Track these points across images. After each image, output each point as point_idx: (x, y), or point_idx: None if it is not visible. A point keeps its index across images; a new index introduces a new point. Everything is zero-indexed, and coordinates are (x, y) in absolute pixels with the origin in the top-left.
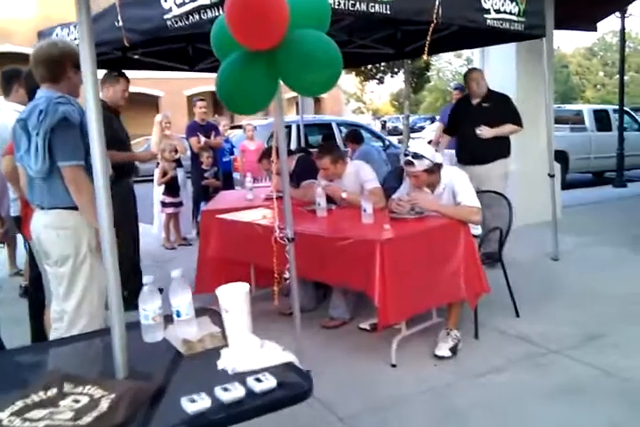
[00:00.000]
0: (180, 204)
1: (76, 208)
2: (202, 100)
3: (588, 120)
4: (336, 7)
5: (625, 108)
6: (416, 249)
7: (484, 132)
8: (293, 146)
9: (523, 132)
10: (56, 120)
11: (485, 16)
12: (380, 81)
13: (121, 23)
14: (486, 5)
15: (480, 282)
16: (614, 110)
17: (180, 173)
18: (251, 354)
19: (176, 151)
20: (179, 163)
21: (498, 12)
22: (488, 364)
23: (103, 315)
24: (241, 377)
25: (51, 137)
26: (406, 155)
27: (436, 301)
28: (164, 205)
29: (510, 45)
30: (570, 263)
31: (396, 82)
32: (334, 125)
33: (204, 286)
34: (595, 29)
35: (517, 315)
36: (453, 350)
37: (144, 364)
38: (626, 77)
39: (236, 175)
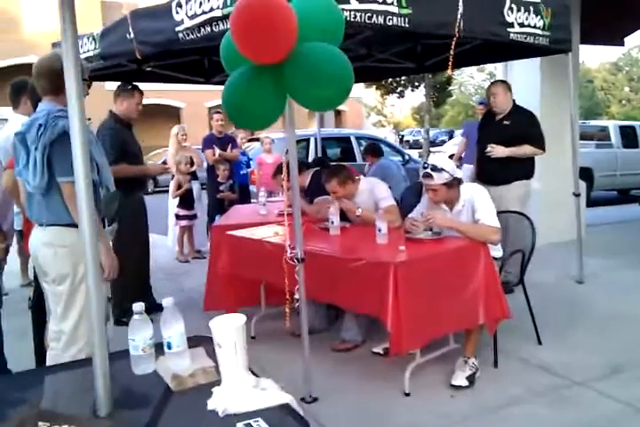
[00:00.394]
0: (194, 216)
1: (75, 225)
2: (218, 112)
3: (615, 136)
4: (352, 20)
5: None
6: (432, 272)
7: (495, 151)
8: (311, 159)
9: (546, 148)
10: (55, 134)
11: (509, 30)
12: (401, 95)
13: (132, 35)
14: (510, 19)
15: (501, 306)
16: None
17: (196, 186)
18: (244, 394)
19: (192, 164)
20: (194, 175)
21: (522, 25)
22: (507, 395)
23: None
24: (231, 421)
25: (50, 151)
26: (425, 167)
27: (454, 326)
28: (178, 217)
29: (534, 60)
30: (596, 287)
31: (417, 95)
32: (353, 139)
33: (214, 303)
34: (622, 44)
35: (539, 342)
36: (471, 379)
37: (131, 399)
38: None
39: (252, 188)
